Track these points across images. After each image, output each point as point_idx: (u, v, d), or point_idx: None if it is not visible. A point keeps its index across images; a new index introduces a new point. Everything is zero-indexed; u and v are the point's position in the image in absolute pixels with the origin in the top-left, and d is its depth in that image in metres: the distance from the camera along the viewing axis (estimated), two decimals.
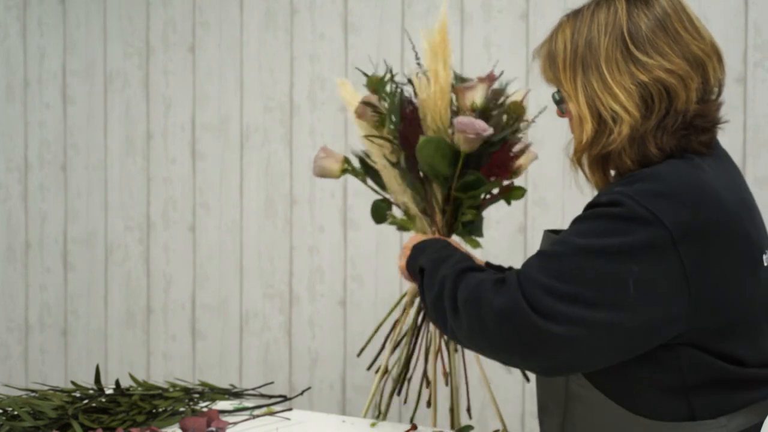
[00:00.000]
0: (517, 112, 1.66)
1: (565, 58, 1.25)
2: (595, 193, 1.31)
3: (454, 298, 1.26)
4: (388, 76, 1.70)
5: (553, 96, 1.32)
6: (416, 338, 1.72)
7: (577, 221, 1.20)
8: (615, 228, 1.15)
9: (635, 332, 1.15)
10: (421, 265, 1.40)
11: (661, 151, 1.22)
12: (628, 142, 1.22)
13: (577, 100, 1.25)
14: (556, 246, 1.18)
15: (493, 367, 2.42)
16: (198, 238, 2.85)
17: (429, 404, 1.73)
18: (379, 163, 1.69)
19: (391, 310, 1.80)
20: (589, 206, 1.20)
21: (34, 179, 3.12)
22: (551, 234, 1.36)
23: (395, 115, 1.64)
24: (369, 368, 1.83)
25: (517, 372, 2.40)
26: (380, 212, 1.76)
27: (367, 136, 1.68)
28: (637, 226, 1.14)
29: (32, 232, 3.14)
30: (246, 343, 2.79)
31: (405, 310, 1.74)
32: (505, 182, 1.68)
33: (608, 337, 1.15)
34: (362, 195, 2.62)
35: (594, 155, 1.26)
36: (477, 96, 1.63)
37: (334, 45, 2.62)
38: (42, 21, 3.09)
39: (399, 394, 1.74)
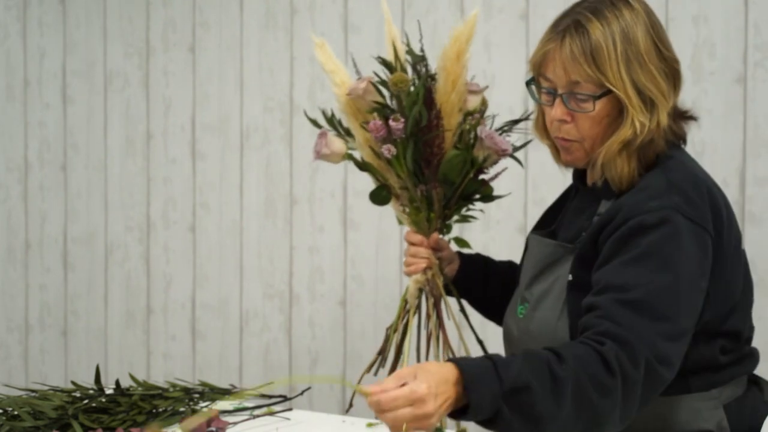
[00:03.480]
0: (481, 106, 1.65)
1: (609, 52, 1.29)
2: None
3: (599, 381, 1.13)
4: (414, 78, 1.61)
5: (580, 95, 1.32)
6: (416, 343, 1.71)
7: (638, 258, 1.21)
8: (679, 248, 1.21)
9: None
10: (514, 385, 1.10)
11: (675, 137, 1.36)
12: (662, 131, 1.32)
13: (626, 91, 1.29)
14: (636, 289, 1.19)
15: None
16: (198, 238, 2.85)
17: None
18: (364, 153, 1.66)
19: (399, 313, 1.73)
20: (635, 232, 1.22)
21: (34, 179, 3.12)
22: (542, 239, 1.44)
23: (423, 115, 1.56)
24: (370, 372, 1.75)
25: None
26: (380, 198, 1.74)
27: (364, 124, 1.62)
28: (693, 239, 1.22)
29: (32, 232, 3.14)
30: (246, 343, 2.79)
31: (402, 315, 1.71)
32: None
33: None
34: (362, 195, 2.61)
35: (638, 144, 1.31)
36: (478, 101, 1.61)
37: (334, 45, 2.61)
38: (42, 21, 3.09)
39: None
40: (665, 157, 1.32)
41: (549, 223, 1.52)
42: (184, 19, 2.85)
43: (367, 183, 2.61)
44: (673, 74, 1.32)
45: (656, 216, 1.21)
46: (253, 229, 2.77)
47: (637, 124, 1.28)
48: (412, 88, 1.59)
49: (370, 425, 1.62)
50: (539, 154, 2.38)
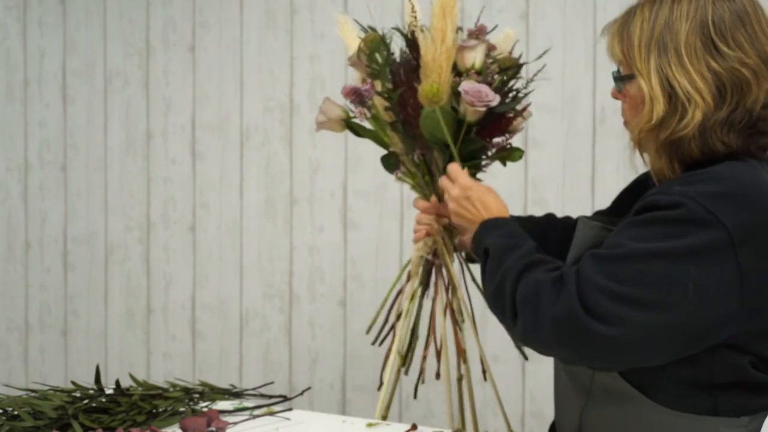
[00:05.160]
0: (509, 65, 1.62)
1: (641, 37, 1.26)
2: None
3: (513, 297, 1.25)
4: (386, 37, 1.63)
5: (614, 74, 1.32)
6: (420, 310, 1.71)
7: (636, 224, 1.19)
8: (675, 231, 1.15)
9: (690, 334, 1.16)
10: (486, 246, 1.38)
11: (726, 148, 1.23)
12: (699, 131, 1.23)
13: (649, 79, 1.25)
14: (615, 249, 1.18)
15: (493, 368, 2.42)
16: (198, 238, 2.85)
17: (438, 376, 1.73)
18: (381, 118, 1.64)
19: (397, 280, 1.76)
20: (648, 207, 1.19)
21: (34, 179, 3.12)
22: (589, 221, 1.37)
23: (386, 80, 1.58)
24: (375, 343, 1.80)
25: (517, 372, 2.40)
26: (389, 164, 1.70)
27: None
28: (697, 228, 1.14)
29: (32, 232, 3.14)
30: (246, 343, 2.79)
31: (408, 281, 1.71)
32: (497, 140, 1.63)
33: (663, 339, 1.16)
34: (362, 195, 2.62)
35: (663, 139, 1.25)
36: (477, 57, 1.57)
37: (334, 45, 2.62)
38: (42, 21, 3.09)
39: (407, 373, 1.73)
40: (728, 158, 1.24)
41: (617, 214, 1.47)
42: (184, 19, 2.85)
43: (367, 183, 2.62)
44: (731, 76, 1.22)
45: (671, 199, 1.17)
46: (253, 229, 2.77)
47: (654, 115, 1.24)
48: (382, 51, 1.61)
49: (370, 425, 1.62)
50: (539, 154, 2.39)
